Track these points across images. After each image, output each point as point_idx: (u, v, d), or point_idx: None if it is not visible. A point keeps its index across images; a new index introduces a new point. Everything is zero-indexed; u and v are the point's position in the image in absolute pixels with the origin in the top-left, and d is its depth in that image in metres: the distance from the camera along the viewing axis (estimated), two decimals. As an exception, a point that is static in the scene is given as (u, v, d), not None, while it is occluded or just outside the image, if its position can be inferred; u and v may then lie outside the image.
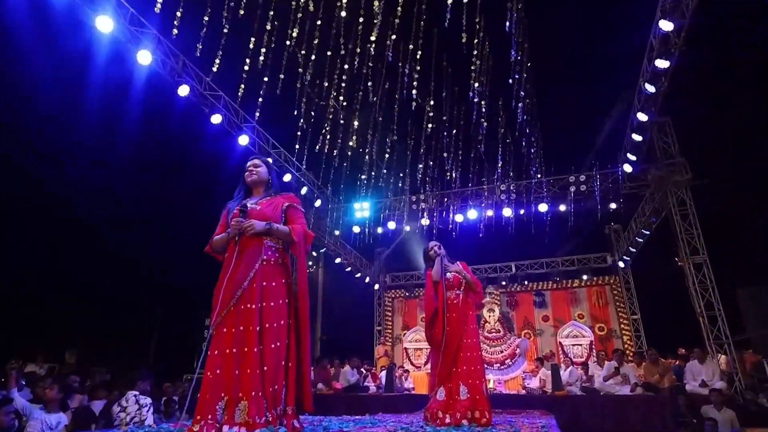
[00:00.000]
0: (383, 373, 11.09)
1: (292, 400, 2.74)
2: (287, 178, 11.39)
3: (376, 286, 16.94)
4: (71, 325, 12.47)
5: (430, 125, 9.12)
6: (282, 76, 7.39)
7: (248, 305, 2.72)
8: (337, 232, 13.93)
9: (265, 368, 2.62)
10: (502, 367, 12.25)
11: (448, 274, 4.54)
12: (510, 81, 7.77)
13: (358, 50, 7.13)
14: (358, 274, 16.28)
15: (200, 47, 6.53)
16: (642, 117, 9.32)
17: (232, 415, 2.51)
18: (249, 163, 3.19)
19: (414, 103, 7.77)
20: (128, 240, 12.73)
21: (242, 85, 7.43)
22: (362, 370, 11.70)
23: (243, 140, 9.76)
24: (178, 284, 13.86)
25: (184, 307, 15.92)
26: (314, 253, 15.98)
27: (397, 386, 10.83)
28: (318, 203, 12.85)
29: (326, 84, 7.64)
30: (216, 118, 9.07)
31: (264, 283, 2.79)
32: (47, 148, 10.11)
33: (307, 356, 2.86)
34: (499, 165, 10.42)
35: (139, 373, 5.63)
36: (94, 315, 12.84)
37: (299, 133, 8.52)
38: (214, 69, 7.06)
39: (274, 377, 2.65)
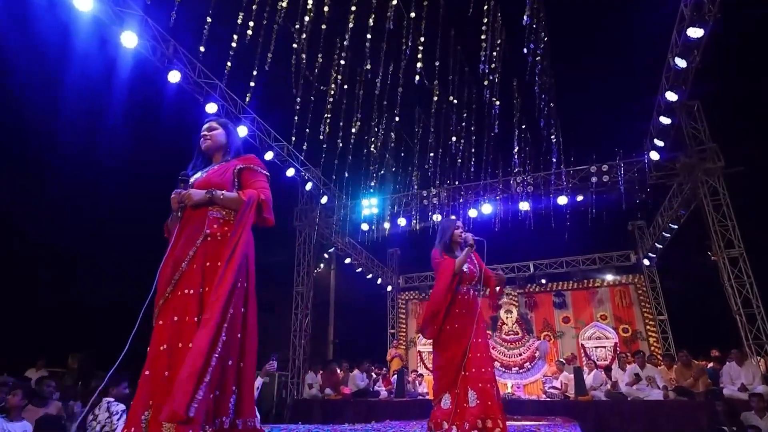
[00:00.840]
0: (395, 377, 10.64)
1: (247, 412, 2.17)
2: (290, 173, 10.90)
3: (389, 288, 16.46)
4: (75, 329, 12.16)
5: (438, 111, 8.49)
6: (271, 55, 6.82)
7: (187, 290, 2.19)
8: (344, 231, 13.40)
9: None
10: (521, 370, 11.74)
11: (464, 266, 3.95)
12: (524, 51, 7.08)
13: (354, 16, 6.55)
14: (370, 275, 15.77)
15: (173, 18, 5.98)
16: (671, 96, 8.54)
17: (159, 428, 1.93)
18: (204, 127, 2.73)
19: (417, 79, 7.15)
20: (128, 240, 12.34)
21: (229, 63, 6.89)
22: (372, 374, 11.29)
23: (241, 131, 9.22)
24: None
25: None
26: (326, 255, 15.58)
27: (409, 391, 10.46)
28: (324, 200, 12.32)
29: (321, 58, 7.06)
30: (211, 108, 8.57)
31: (207, 264, 2.26)
32: (33, 143, 9.57)
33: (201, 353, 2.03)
34: (515, 151, 9.70)
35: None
36: (97, 318, 12.52)
37: (296, 119, 7.94)
38: (202, 48, 6.52)
39: (217, 381, 2.05)
